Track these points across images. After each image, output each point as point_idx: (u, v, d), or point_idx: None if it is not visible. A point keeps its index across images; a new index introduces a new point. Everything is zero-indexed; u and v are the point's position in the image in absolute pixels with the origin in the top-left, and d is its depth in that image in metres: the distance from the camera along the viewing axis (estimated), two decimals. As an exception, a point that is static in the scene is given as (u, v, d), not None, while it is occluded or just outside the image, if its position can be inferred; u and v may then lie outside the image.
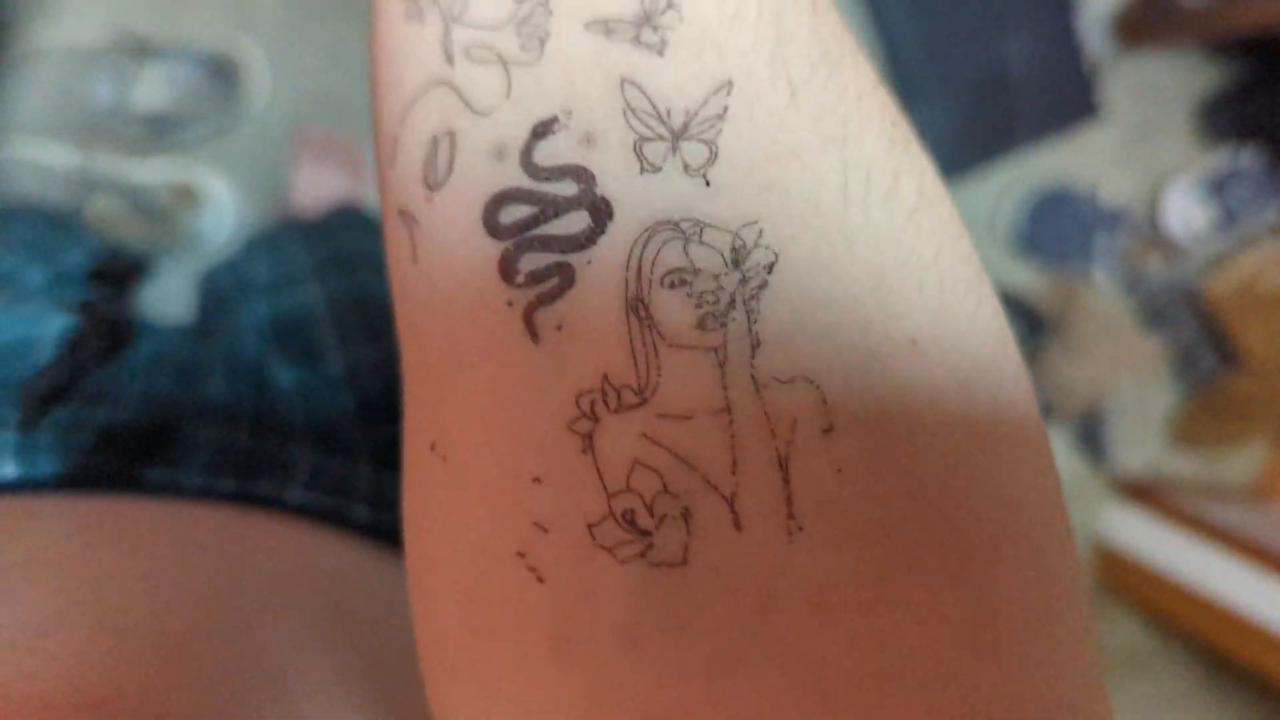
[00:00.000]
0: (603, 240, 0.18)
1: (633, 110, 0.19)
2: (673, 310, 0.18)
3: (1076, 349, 1.51)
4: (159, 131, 1.18)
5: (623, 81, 0.19)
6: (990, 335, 0.20)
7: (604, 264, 0.18)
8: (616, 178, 0.18)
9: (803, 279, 0.18)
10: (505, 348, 0.18)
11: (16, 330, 0.42)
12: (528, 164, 0.19)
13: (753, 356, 0.17)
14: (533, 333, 0.18)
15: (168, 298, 1.17)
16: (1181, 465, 1.63)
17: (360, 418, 0.49)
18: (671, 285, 0.18)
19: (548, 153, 0.19)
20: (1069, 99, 1.47)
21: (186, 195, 1.19)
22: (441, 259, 0.20)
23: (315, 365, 0.53)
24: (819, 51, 0.20)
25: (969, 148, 1.44)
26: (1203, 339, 1.56)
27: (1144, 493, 1.57)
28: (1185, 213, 1.52)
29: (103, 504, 0.36)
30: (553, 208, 0.18)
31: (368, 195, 1.28)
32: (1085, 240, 1.51)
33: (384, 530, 0.42)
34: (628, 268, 0.18)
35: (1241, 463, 1.62)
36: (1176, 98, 1.56)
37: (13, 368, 0.40)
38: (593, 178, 0.18)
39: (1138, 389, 1.58)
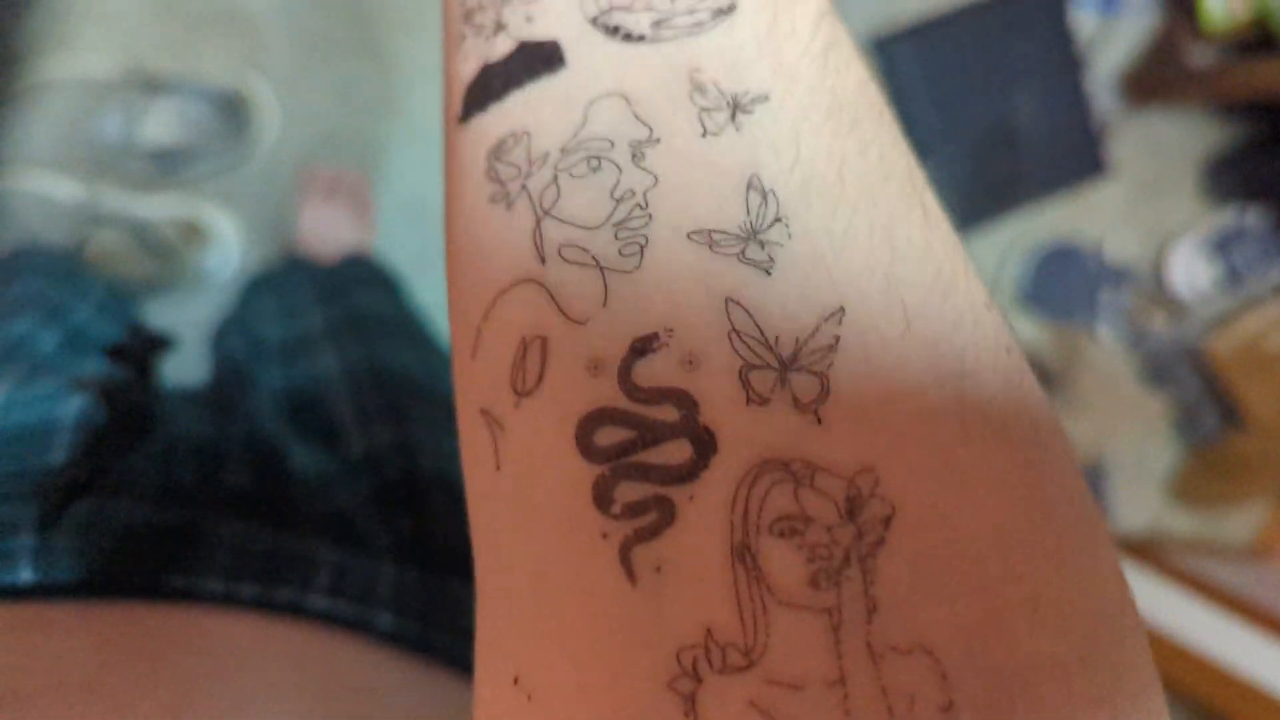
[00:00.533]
0: (706, 475, 0.17)
1: (738, 334, 0.17)
2: (783, 562, 0.16)
3: (1079, 404, 1.51)
4: (166, 167, 1.17)
5: (727, 301, 0.18)
6: (1110, 590, 0.18)
7: (707, 502, 0.17)
8: (721, 407, 0.17)
9: (921, 535, 0.16)
10: (599, 585, 0.17)
11: (33, 412, 0.40)
12: (626, 383, 0.18)
13: (869, 622, 0.16)
14: (630, 572, 0.17)
15: (180, 351, 1.16)
16: (1181, 523, 1.63)
17: (379, 506, 0.48)
18: (781, 534, 0.16)
19: (647, 372, 0.18)
20: (1077, 156, 1.47)
21: (192, 232, 1.17)
22: (529, 474, 0.18)
23: (333, 445, 0.52)
24: (933, 271, 0.19)
25: (976, 201, 1.44)
26: (1205, 397, 1.55)
27: (1142, 550, 1.56)
28: (1190, 271, 1.52)
29: (122, 615, 0.35)
30: (652, 434, 0.17)
31: (375, 235, 1.27)
32: (1090, 296, 1.51)
33: (407, 638, 0.41)
34: (733, 509, 0.16)
35: (1241, 522, 1.61)
36: (1183, 156, 1.56)
37: (29, 455, 0.39)
38: (696, 404, 0.17)
39: (1139, 445, 1.58)
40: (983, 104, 1.41)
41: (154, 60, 1.16)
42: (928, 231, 0.19)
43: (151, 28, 1.17)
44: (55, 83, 1.13)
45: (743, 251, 0.18)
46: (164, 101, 1.15)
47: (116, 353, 0.50)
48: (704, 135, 0.19)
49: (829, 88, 0.21)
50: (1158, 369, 1.54)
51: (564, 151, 0.20)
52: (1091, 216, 1.53)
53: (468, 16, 0.22)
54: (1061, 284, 1.50)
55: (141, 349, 0.55)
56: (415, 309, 0.84)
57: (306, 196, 1.23)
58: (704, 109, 0.20)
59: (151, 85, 1.14)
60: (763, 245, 0.18)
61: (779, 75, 0.20)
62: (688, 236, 0.18)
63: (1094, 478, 1.56)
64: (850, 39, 0.23)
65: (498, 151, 0.21)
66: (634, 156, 0.19)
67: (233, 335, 0.65)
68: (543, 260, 0.19)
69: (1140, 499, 1.59)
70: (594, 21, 0.21)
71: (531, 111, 0.21)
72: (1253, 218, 1.51)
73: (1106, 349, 1.52)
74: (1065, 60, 1.44)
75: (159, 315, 1.16)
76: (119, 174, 1.16)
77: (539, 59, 0.21)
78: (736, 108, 0.20)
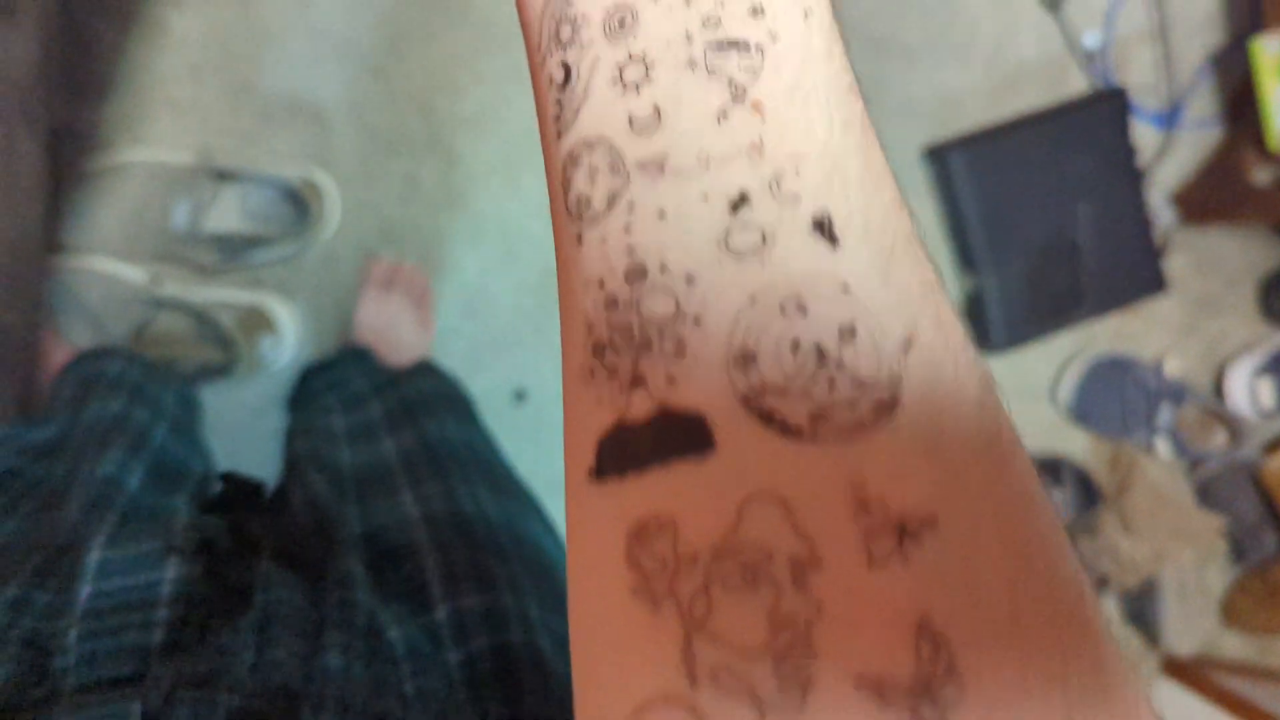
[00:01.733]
0: None
1: None
2: None
3: (1133, 521, 1.47)
4: (230, 254, 1.17)
5: None
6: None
7: None
8: None
9: None
10: None
11: (131, 578, 0.39)
12: None
13: None
14: None
15: (226, 427, 1.15)
16: (1233, 646, 1.58)
17: (468, 685, 0.46)
18: None
19: None
20: (1136, 271, 1.45)
21: (252, 320, 1.18)
22: None
23: (418, 604, 0.50)
24: None
25: (1035, 314, 1.42)
26: (1263, 519, 1.52)
27: (1191, 672, 1.52)
28: (1250, 390, 1.50)
29: None
30: None
31: (434, 328, 1.26)
32: (1147, 412, 1.48)
33: None
34: None
35: (1299, 650, 1.56)
36: (1243, 274, 1.55)
37: (129, 630, 0.38)
38: None
39: (1194, 567, 1.53)
40: (1041, 215, 1.41)
41: (224, 149, 1.17)
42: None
43: (224, 117, 1.19)
44: (127, 167, 1.14)
45: (915, 710, 0.17)
46: (231, 190, 1.16)
47: (210, 507, 0.49)
48: (870, 565, 0.18)
49: (996, 498, 0.20)
50: (1215, 489, 1.51)
51: (716, 555, 0.18)
52: (1150, 331, 1.51)
53: (597, 349, 0.21)
54: (1118, 399, 1.48)
55: (234, 498, 0.54)
56: (486, 435, 0.83)
57: (366, 287, 1.23)
58: (869, 531, 0.18)
59: (220, 174, 1.15)
60: (935, 703, 0.17)
61: (946, 490, 0.19)
62: (854, 686, 0.17)
63: (1146, 598, 1.51)
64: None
65: (640, 535, 0.19)
66: (795, 578, 0.18)
67: (308, 470, 0.63)
68: (693, 682, 0.18)
69: (1193, 621, 1.54)
70: (745, 401, 0.19)
71: (677, 496, 0.19)
72: (1314, 339, 1.49)
73: (1163, 466, 1.49)
74: (1126, 173, 1.43)
75: (213, 396, 1.16)
76: (183, 260, 1.16)
77: (685, 434, 0.20)
78: (904, 533, 0.18)
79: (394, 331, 1.22)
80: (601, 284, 0.21)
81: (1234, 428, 1.49)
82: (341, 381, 1.02)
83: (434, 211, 1.27)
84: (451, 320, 1.29)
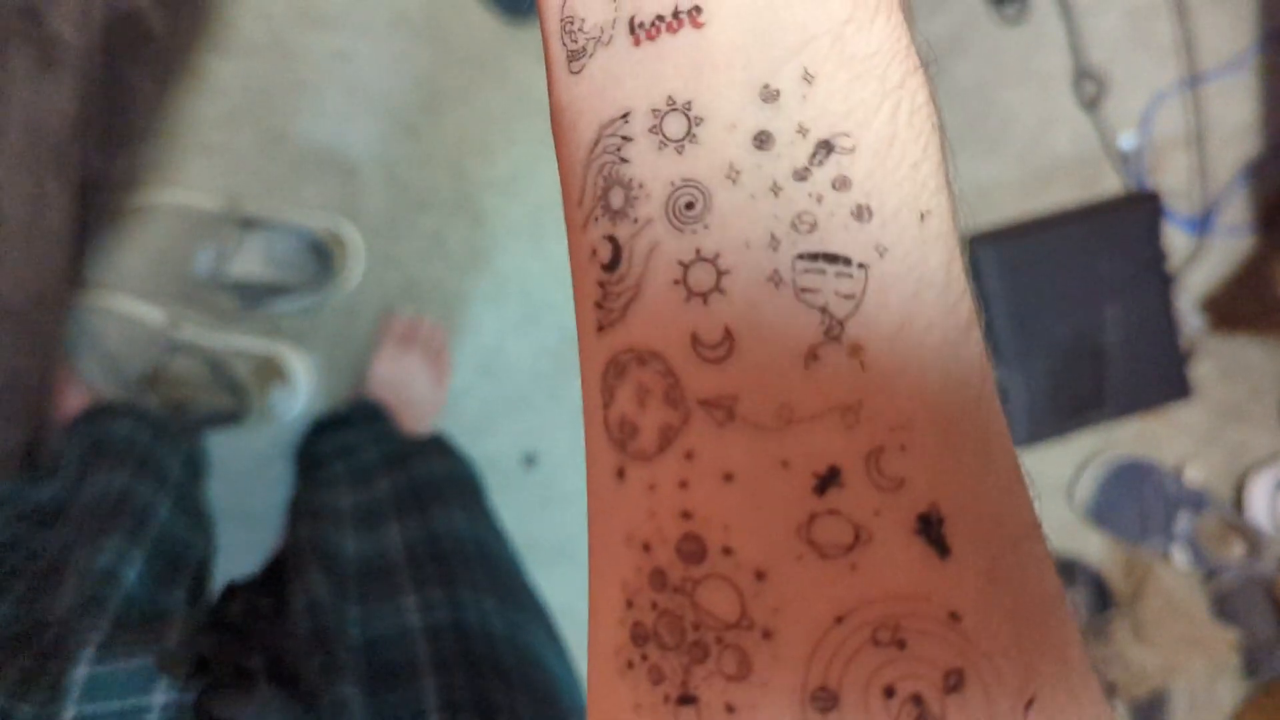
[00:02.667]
0: None
1: None
2: None
3: (1145, 630, 1.44)
4: (250, 300, 1.16)
5: None
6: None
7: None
8: None
9: None
10: None
11: (117, 702, 0.38)
12: None
13: None
14: None
15: (232, 473, 1.14)
16: (1243, 763, 1.53)
17: None
18: None
19: None
20: (1162, 375, 1.43)
21: (266, 369, 1.17)
22: None
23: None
24: None
25: (1056, 413, 1.40)
26: (1278, 636, 1.48)
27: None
28: (1270, 503, 1.47)
29: None
30: None
31: (447, 386, 1.25)
32: (1165, 518, 1.45)
33: None
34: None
35: (1310, 774, 1.51)
36: (1268, 385, 1.53)
37: None
38: None
39: (1205, 679, 1.50)
40: (1068, 313, 1.39)
41: (253, 195, 1.17)
42: None
43: (255, 164, 1.19)
44: (155, 208, 1.14)
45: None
46: (256, 237, 1.16)
47: (214, 625, 0.47)
48: None
49: None
50: (1231, 601, 1.48)
51: None
52: (1172, 437, 1.49)
53: (638, 636, 0.17)
54: (1136, 503, 1.45)
55: (236, 617, 0.52)
56: (496, 528, 0.81)
57: (383, 341, 1.22)
58: None
59: (247, 221, 1.15)
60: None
61: None
62: None
63: (1155, 708, 1.48)
64: None
65: None
66: None
67: (311, 564, 0.61)
68: None
69: (1203, 735, 1.50)
70: None
71: None
72: (1339, 455, 1.46)
73: (1178, 575, 1.46)
74: (1155, 277, 1.42)
75: (220, 440, 1.15)
76: (203, 304, 1.16)
77: None
78: None
79: (409, 388, 1.21)
80: (647, 547, 0.17)
81: (1253, 540, 1.46)
82: (351, 448, 1.00)
83: (457, 270, 1.27)
84: (467, 379, 1.28)
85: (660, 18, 0.18)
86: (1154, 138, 1.46)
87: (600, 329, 0.18)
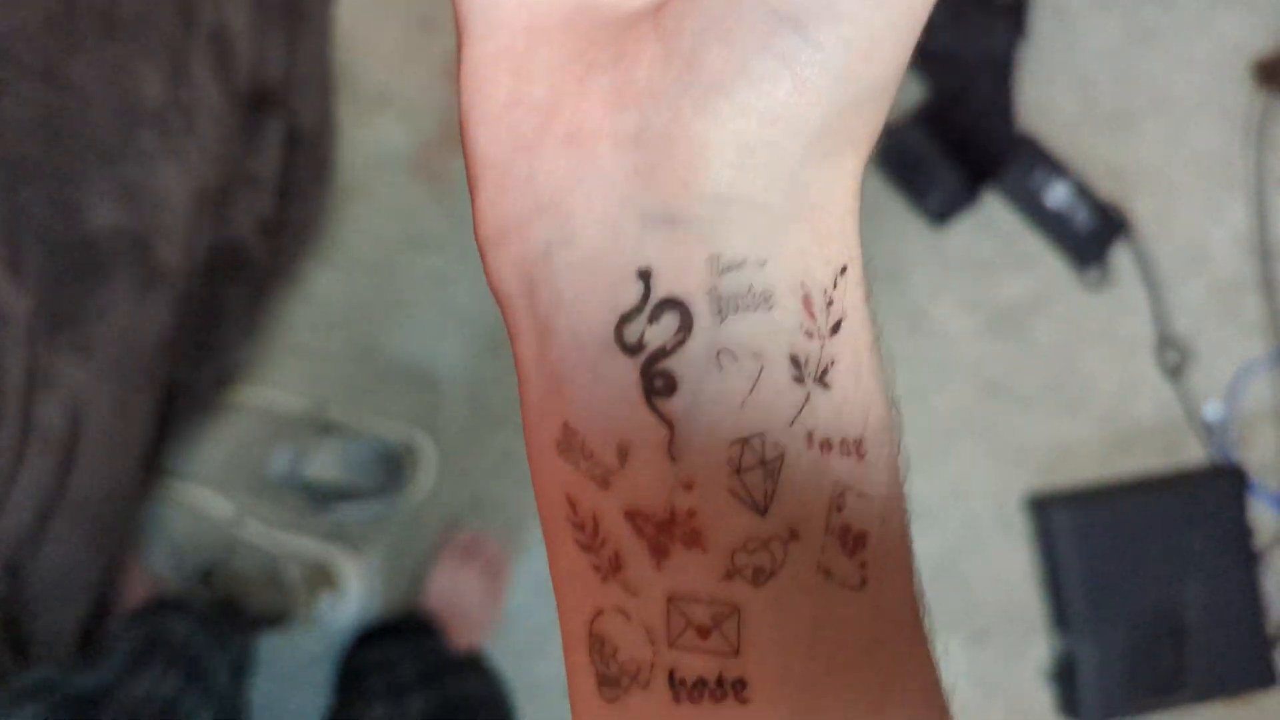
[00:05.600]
0: None
1: None
2: None
3: None
4: (319, 503, 1.19)
5: None
6: None
7: None
8: None
9: None
10: None
11: None
12: None
13: None
14: None
15: (276, 674, 1.13)
16: None
17: None
18: None
19: None
20: (1246, 660, 1.36)
21: (320, 575, 1.18)
22: None
23: None
24: None
25: (1132, 689, 1.33)
26: None
27: None
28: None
29: None
30: None
31: (502, 605, 1.25)
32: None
33: None
34: None
35: None
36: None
37: None
38: None
39: None
40: (1147, 586, 1.34)
41: (337, 401, 1.21)
42: None
43: (343, 371, 1.23)
44: (240, 406, 1.18)
45: None
46: (333, 442, 1.19)
47: None
48: None
49: None
50: None
51: None
52: (1258, 729, 1.40)
53: None
54: (1219, 798, 1.35)
55: None
56: None
57: (443, 555, 1.23)
58: None
59: (327, 426, 1.18)
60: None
61: None
62: None
63: None
64: None
65: None
66: None
67: None
68: None
69: None
70: None
71: None
72: None
73: None
74: (1241, 555, 1.37)
75: (269, 640, 1.15)
76: (273, 502, 1.18)
77: None
78: None
79: (463, 602, 1.20)
80: None
81: None
82: (391, 663, 1.01)
83: (524, 489, 1.28)
84: (524, 600, 1.27)
85: (703, 682, 0.19)
86: (1240, 410, 1.43)
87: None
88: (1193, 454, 1.42)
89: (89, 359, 0.66)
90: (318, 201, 0.92)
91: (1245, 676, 1.36)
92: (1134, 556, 1.34)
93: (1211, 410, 1.42)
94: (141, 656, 0.78)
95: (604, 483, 0.19)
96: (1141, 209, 1.42)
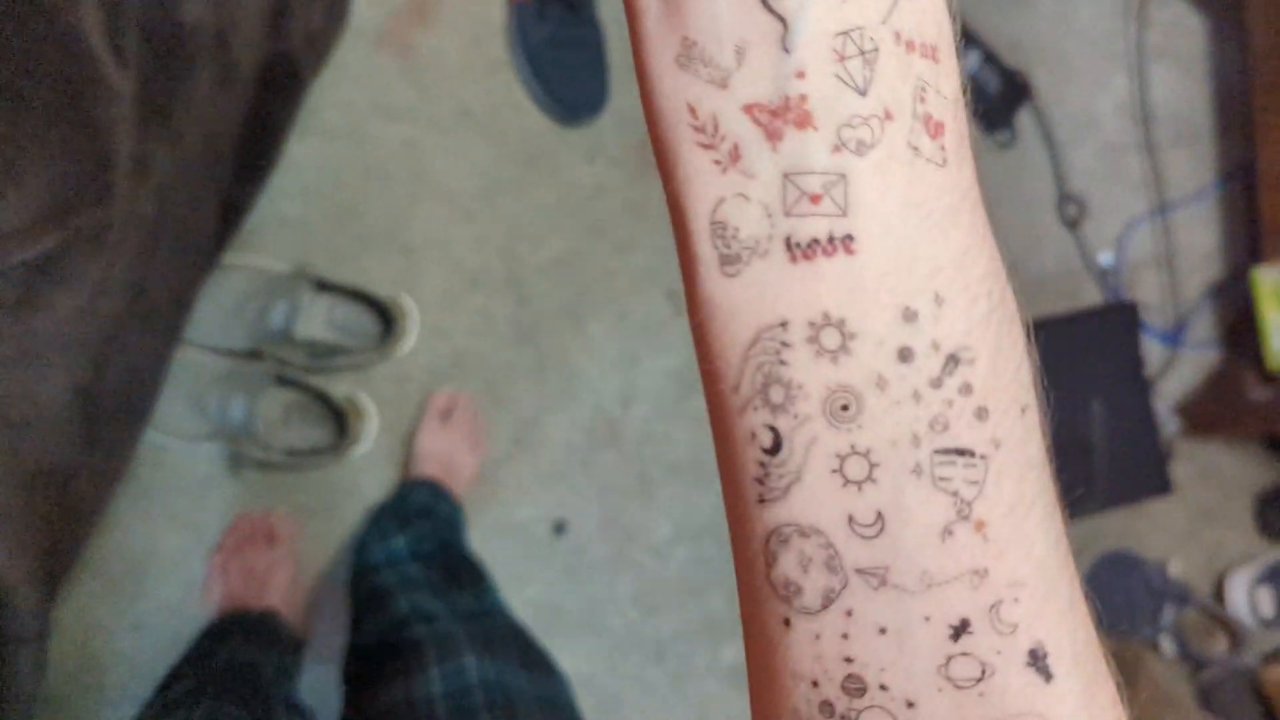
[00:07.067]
0: None
1: None
2: None
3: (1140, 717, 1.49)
4: (314, 358, 1.25)
5: None
6: None
7: None
8: None
9: None
10: None
11: None
12: None
13: None
14: None
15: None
16: None
17: None
18: None
19: None
20: (1144, 471, 1.54)
21: (354, 408, 1.25)
22: None
23: None
24: None
25: (1049, 502, 1.49)
26: (1263, 729, 1.54)
27: None
28: (1249, 599, 1.56)
29: None
30: None
31: (482, 456, 1.33)
32: (1152, 610, 1.53)
33: None
34: None
35: None
36: (1240, 488, 1.64)
37: None
38: None
39: (1196, 773, 1.55)
40: (1057, 411, 1.50)
41: (321, 266, 1.27)
42: None
43: (323, 237, 1.29)
44: (232, 268, 1.22)
45: None
46: (324, 300, 1.25)
47: None
48: None
49: None
50: (1217, 694, 1.54)
51: None
52: (1155, 532, 1.58)
53: None
54: (1124, 595, 1.53)
55: None
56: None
57: (425, 420, 1.31)
58: None
59: (320, 284, 1.24)
60: None
61: None
62: None
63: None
64: None
65: None
66: None
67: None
68: None
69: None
70: None
71: None
72: (1309, 555, 1.56)
73: (1167, 665, 1.53)
74: (1135, 380, 1.54)
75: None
76: (274, 358, 1.24)
77: None
78: None
79: (449, 459, 1.30)
80: (815, 684, 0.22)
81: (1235, 633, 1.54)
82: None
83: (502, 345, 1.36)
84: (504, 449, 1.35)
85: (816, 241, 0.21)
86: (1129, 257, 1.61)
87: (761, 501, 0.22)
88: (1091, 297, 1.60)
89: (176, 148, 0.72)
90: (344, 13, 0.99)
91: (1144, 485, 1.54)
92: (1047, 385, 1.50)
93: (1105, 258, 1.60)
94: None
95: (723, 84, 0.22)
96: (1038, 80, 1.57)
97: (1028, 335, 0.24)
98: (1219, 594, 1.59)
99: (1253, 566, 1.58)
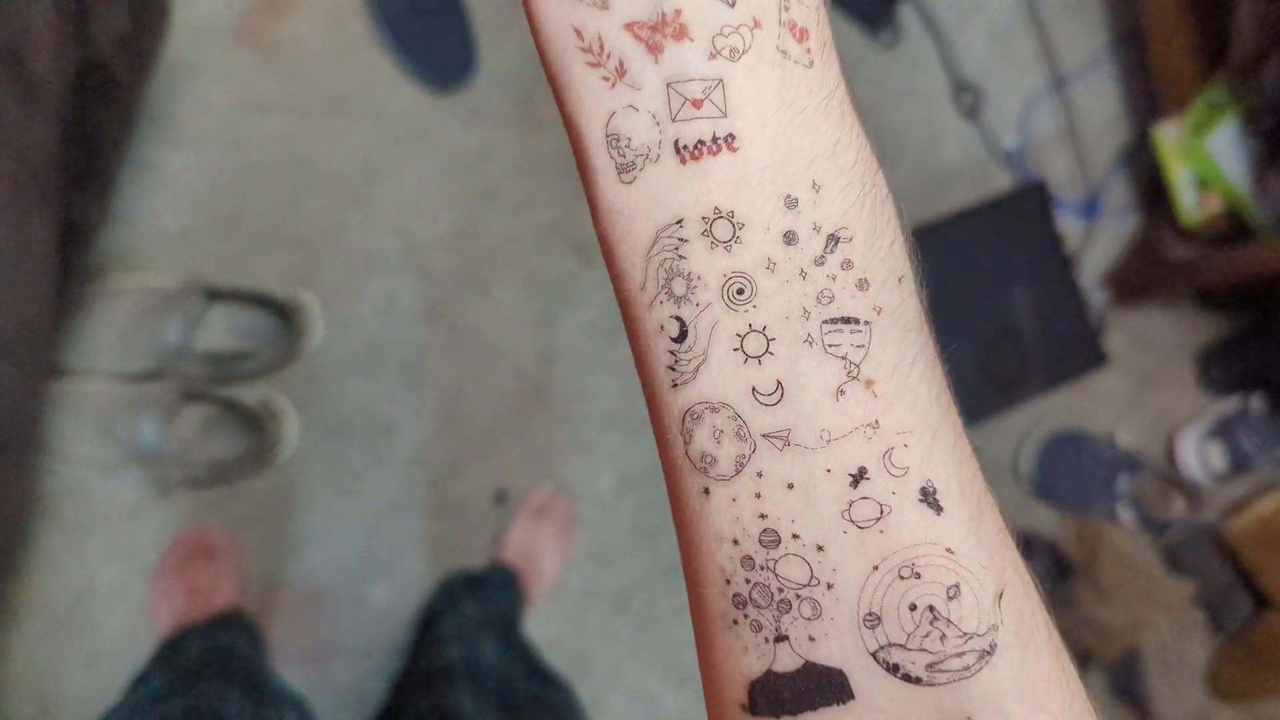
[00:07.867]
0: None
1: None
2: None
3: (1106, 589, 1.51)
4: (217, 368, 1.23)
5: None
6: None
7: None
8: None
9: None
10: None
11: None
12: None
13: None
14: None
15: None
16: (1225, 717, 1.58)
17: None
18: None
19: None
20: (1078, 349, 1.54)
21: (268, 411, 1.23)
22: None
23: None
24: None
25: (987, 394, 1.50)
26: (1233, 581, 1.56)
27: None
28: (1200, 457, 1.56)
29: None
30: None
31: (571, 553, 1.31)
32: (1105, 482, 1.54)
33: None
34: None
35: (1287, 712, 1.57)
36: (1178, 349, 1.64)
37: None
38: None
39: (1174, 636, 1.56)
40: (982, 302, 1.50)
41: (214, 273, 1.25)
42: None
43: (211, 245, 1.27)
44: (121, 290, 1.20)
45: None
46: (220, 309, 1.23)
47: None
48: None
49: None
50: (1182, 555, 1.55)
51: None
52: (1098, 406, 1.59)
53: (738, 602, 0.25)
54: (1076, 473, 1.54)
55: None
56: None
57: (520, 513, 1.33)
58: None
59: (212, 293, 1.22)
60: None
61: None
62: None
63: (1132, 672, 1.53)
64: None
65: None
66: None
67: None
68: None
69: (1180, 690, 1.56)
70: (874, 655, 0.24)
71: None
72: (1256, 401, 1.57)
73: (1128, 535, 1.54)
74: (1056, 259, 1.54)
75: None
76: (175, 376, 1.22)
77: (829, 686, 0.24)
78: None
79: (537, 558, 1.32)
80: (735, 542, 0.25)
81: (1191, 493, 1.55)
82: (462, 610, 1.16)
83: (411, 325, 1.34)
84: (432, 426, 1.34)
85: (701, 142, 0.24)
86: (1033, 138, 1.60)
87: (674, 385, 0.25)
88: (1000, 183, 1.58)
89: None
90: (162, 12, 0.96)
91: (1079, 362, 1.55)
92: (966, 279, 1.50)
93: (1009, 142, 1.59)
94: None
95: (604, 6, 0.23)
96: (916, -28, 1.55)
97: (899, 213, 0.26)
98: (1170, 457, 1.60)
99: (1199, 424, 1.58)
